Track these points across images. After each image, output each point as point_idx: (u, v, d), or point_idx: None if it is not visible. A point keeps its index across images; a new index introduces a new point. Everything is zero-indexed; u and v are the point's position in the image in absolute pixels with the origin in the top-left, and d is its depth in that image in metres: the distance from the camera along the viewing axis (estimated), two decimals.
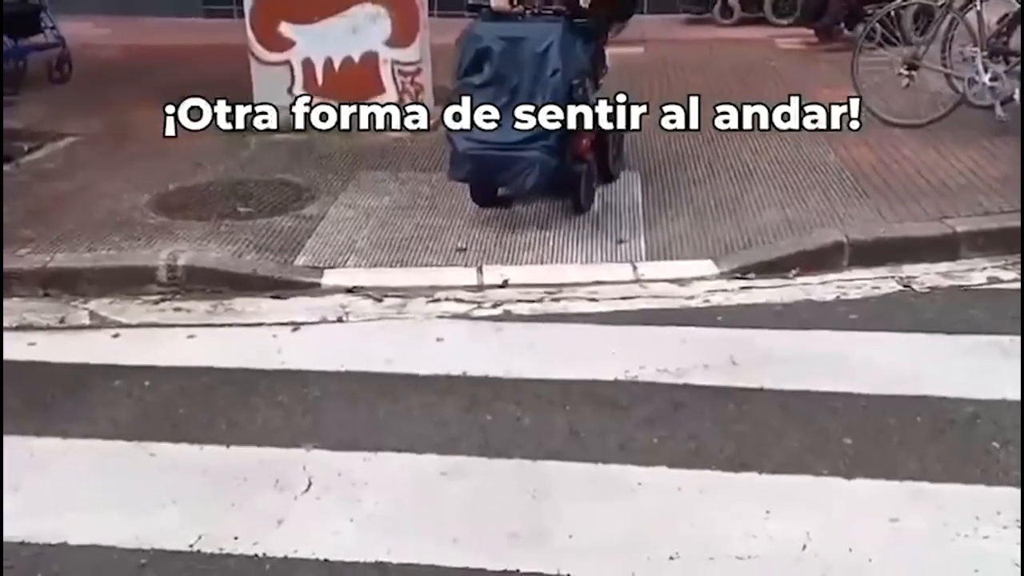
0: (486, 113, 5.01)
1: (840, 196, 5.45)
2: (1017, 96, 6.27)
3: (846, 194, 5.47)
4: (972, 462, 3.22)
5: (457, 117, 5.08)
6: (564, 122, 4.98)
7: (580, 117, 5.06)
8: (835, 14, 9.52)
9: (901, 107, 6.76)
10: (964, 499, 3.04)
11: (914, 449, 3.29)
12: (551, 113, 4.94)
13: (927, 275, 4.68)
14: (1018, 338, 3.93)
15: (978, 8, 6.50)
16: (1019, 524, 2.89)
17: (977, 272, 4.71)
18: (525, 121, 4.94)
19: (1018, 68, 6.33)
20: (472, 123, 5.03)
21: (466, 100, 5.06)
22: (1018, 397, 3.53)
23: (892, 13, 6.97)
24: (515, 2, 5.39)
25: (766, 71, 8.64)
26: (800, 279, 4.65)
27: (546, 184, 5.08)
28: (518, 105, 4.98)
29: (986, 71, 6.37)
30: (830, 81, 7.86)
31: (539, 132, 4.95)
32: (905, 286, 4.60)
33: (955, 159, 5.95)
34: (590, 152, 5.33)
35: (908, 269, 4.73)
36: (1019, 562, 2.75)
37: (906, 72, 6.70)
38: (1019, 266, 4.70)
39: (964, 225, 4.97)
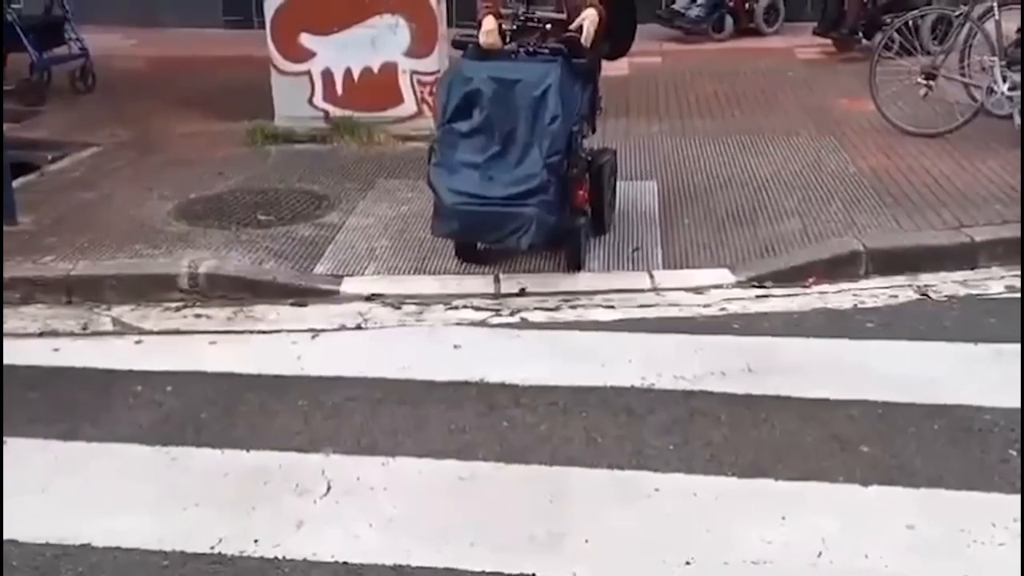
0: (475, 164, 4.51)
1: (857, 205, 5.45)
2: None
3: (863, 203, 5.47)
4: (989, 470, 3.22)
5: (441, 166, 4.57)
6: (565, 175, 4.52)
7: (579, 166, 4.66)
8: (853, 24, 9.51)
9: (919, 116, 6.75)
10: (981, 506, 3.04)
11: (931, 457, 3.30)
12: (550, 165, 4.45)
13: (945, 284, 4.68)
14: None
15: (997, 17, 6.49)
16: None
17: (995, 281, 4.71)
18: (520, 174, 4.46)
19: None
20: (459, 175, 4.51)
21: (452, 148, 4.55)
22: None
23: (910, 22, 6.96)
24: (507, 39, 4.76)
25: (784, 81, 8.64)
26: (817, 288, 4.66)
27: (543, 242, 4.63)
28: (512, 155, 4.49)
29: (1004, 80, 6.36)
30: (848, 91, 7.86)
31: (537, 186, 4.43)
32: (923, 295, 4.60)
33: (973, 168, 5.94)
34: (587, 203, 4.83)
35: (926, 278, 4.73)
36: None
37: (924, 81, 6.70)
38: None
39: (982, 234, 4.96)
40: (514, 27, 4.77)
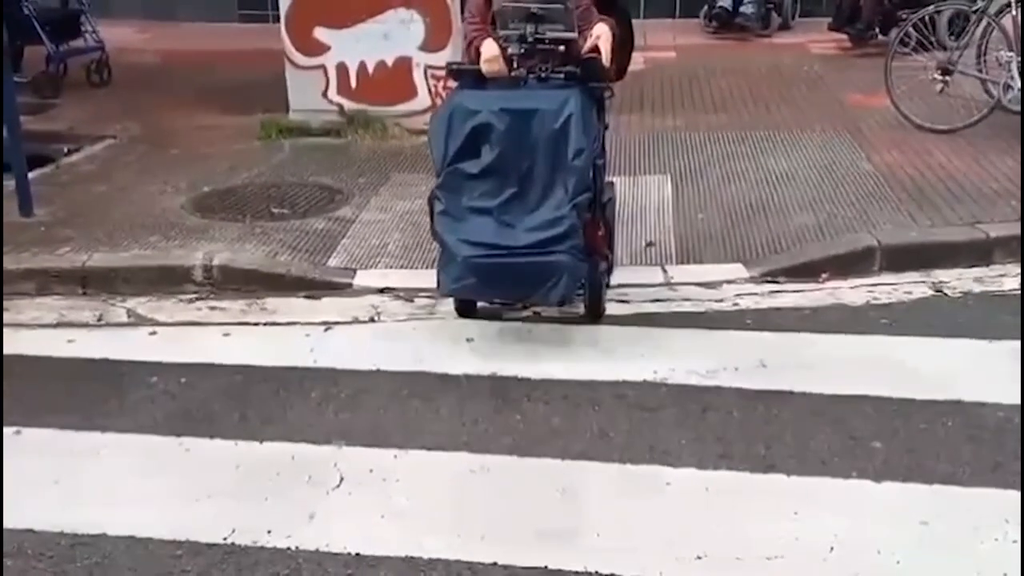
0: (487, 210, 3.96)
1: (872, 200, 5.42)
2: None
3: (878, 198, 5.45)
4: (1002, 467, 3.21)
5: (448, 215, 4.01)
6: (593, 215, 4.10)
7: (602, 204, 4.22)
8: (869, 18, 9.46)
9: (935, 112, 6.72)
10: (993, 503, 3.03)
11: (944, 453, 3.29)
12: (578, 205, 3.95)
13: (959, 280, 4.66)
14: None
15: (1014, 13, 6.46)
16: None
17: (1010, 278, 4.68)
18: (544, 217, 3.94)
19: None
20: (471, 223, 3.97)
21: (458, 193, 3.99)
22: None
23: (927, 18, 6.92)
24: (514, 64, 4.15)
25: (799, 76, 8.61)
26: (830, 283, 4.64)
27: (573, 293, 4.11)
28: (531, 197, 3.97)
29: (1021, 76, 6.33)
30: (863, 86, 7.82)
31: (566, 230, 3.90)
32: (937, 291, 4.58)
33: (989, 164, 5.91)
34: (606, 244, 4.37)
35: (940, 274, 4.71)
36: None
37: (940, 77, 6.67)
38: None
39: (997, 230, 4.94)
40: (521, 50, 4.12)
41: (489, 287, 4.11)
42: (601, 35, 4.18)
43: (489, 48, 4.15)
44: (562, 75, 4.10)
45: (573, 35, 4.16)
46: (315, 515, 3.05)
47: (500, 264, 3.94)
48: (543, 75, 4.11)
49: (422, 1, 6.87)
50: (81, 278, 4.77)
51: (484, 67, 4.15)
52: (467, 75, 4.23)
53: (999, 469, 3.20)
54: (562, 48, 4.15)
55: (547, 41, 4.13)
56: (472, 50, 4.27)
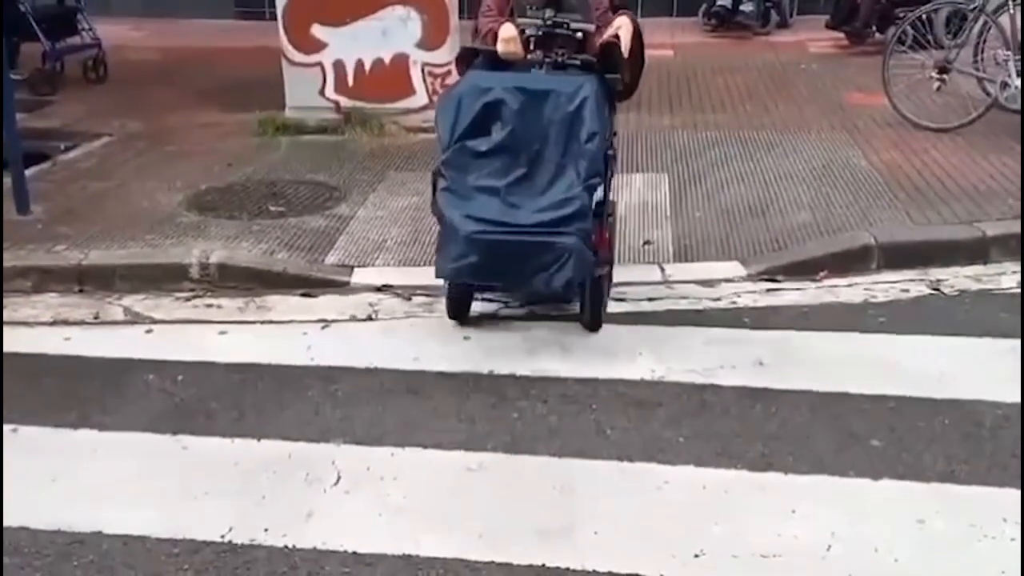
0: (494, 189, 3.84)
1: (869, 199, 5.43)
2: None
3: (875, 197, 5.46)
4: (1000, 465, 3.21)
5: (452, 192, 3.88)
6: (603, 201, 3.96)
7: (608, 202, 4.09)
8: (866, 17, 9.47)
9: (932, 110, 6.74)
10: (991, 501, 3.04)
11: (942, 451, 3.29)
12: (590, 188, 3.83)
13: (956, 278, 4.66)
14: None
15: (1011, 11, 6.46)
16: None
17: (1007, 276, 4.68)
18: (553, 198, 3.82)
19: None
20: (476, 201, 3.83)
21: (464, 172, 3.88)
22: None
23: (924, 16, 6.93)
24: (531, 46, 4.15)
25: (797, 74, 8.61)
26: (828, 281, 4.65)
27: (579, 282, 3.92)
28: (541, 179, 3.86)
29: (1018, 75, 6.33)
30: (861, 85, 7.83)
31: (576, 211, 3.76)
32: (934, 289, 4.58)
33: (986, 162, 5.92)
34: (609, 247, 4.22)
35: (937, 272, 4.71)
36: None
37: (937, 75, 6.69)
38: None
39: (994, 229, 4.94)
40: (539, 33, 4.10)
41: (491, 266, 3.84)
42: (623, 25, 4.17)
43: (507, 29, 4.12)
44: (579, 62, 4.06)
45: (591, 26, 4.17)
46: (312, 513, 3.05)
47: (504, 241, 3.75)
48: (560, 60, 4.07)
49: None
50: (78, 276, 4.76)
51: (500, 47, 4.09)
52: (483, 56, 4.17)
53: (996, 467, 3.20)
54: (580, 35, 4.14)
55: (566, 27, 4.10)
56: (489, 36, 4.22)
